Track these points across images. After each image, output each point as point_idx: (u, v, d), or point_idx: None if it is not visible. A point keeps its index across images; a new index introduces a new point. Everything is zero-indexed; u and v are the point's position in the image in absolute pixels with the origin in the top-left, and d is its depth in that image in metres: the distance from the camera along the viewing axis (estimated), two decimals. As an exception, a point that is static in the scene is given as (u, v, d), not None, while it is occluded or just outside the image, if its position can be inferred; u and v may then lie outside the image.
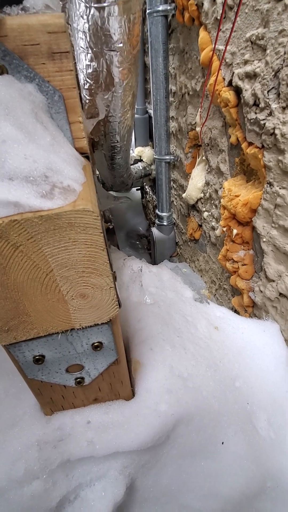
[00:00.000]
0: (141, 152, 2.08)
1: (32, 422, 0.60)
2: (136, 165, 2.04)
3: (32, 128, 0.38)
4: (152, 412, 0.62)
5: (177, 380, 0.70)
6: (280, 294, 0.84)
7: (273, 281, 0.86)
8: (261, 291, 0.92)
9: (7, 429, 0.61)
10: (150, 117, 1.94)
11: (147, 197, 2.53)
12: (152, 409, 0.63)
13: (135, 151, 2.12)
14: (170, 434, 0.63)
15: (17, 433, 0.59)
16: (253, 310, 1.02)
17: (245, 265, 0.99)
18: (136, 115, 1.98)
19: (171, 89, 1.40)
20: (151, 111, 1.76)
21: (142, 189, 2.73)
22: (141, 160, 2.10)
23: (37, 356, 0.48)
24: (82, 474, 0.58)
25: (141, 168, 2.03)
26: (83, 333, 0.48)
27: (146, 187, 2.50)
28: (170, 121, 1.50)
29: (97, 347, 0.50)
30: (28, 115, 0.38)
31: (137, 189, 2.81)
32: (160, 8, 1.15)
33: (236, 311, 1.15)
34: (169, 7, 1.14)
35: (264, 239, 0.85)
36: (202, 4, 0.92)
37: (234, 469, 0.63)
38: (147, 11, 1.20)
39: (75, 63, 0.85)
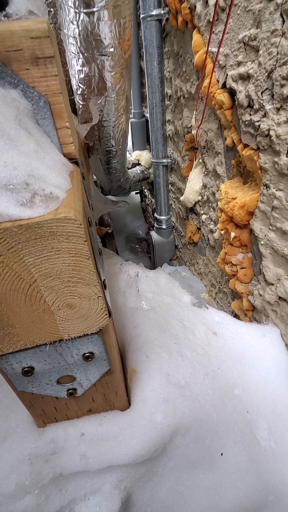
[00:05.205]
0: (139, 156, 2.08)
1: (24, 435, 0.58)
2: (134, 169, 2.04)
3: (14, 135, 0.37)
4: (148, 423, 0.60)
5: (173, 389, 0.68)
6: (280, 297, 0.82)
7: (272, 284, 0.84)
8: (261, 295, 0.90)
9: (-1, 441, 0.60)
10: (147, 121, 1.94)
11: (146, 200, 2.53)
12: (148, 420, 0.61)
13: (133, 155, 2.12)
14: (166, 445, 0.61)
15: (9, 446, 0.58)
16: (253, 314, 1.00)
17: (243, 268, 0.97)
18: (133, 119, 1.98)
19: (166, 93, 1.40)
20: (148, 115, 1.75)
21: (141, 192, 2.73)
22: (139, 164, 2.10)
23: (25, 368, 0.47)
24: (75, 488, 0.56)
25: (139, 171, 2.03)
26: (73, 343, 0.46)
27: (145, 190, 2.49)
28: (167, 124, 1.49)
29: (88, 357, 0.49)
30: (11, 121, 0.37)
31: (136, 193, 2.80)
32: (154, 12, 1.15)
33: (236, 315, 1.12)
34: (162, 11, 1.14)
35: (262, 242, 0.83)
36: (195, 7, 0.92)
37: (234, 482, 0.61)
38: (141, 15, 1.20)
39: (67, 69, 0.85)
